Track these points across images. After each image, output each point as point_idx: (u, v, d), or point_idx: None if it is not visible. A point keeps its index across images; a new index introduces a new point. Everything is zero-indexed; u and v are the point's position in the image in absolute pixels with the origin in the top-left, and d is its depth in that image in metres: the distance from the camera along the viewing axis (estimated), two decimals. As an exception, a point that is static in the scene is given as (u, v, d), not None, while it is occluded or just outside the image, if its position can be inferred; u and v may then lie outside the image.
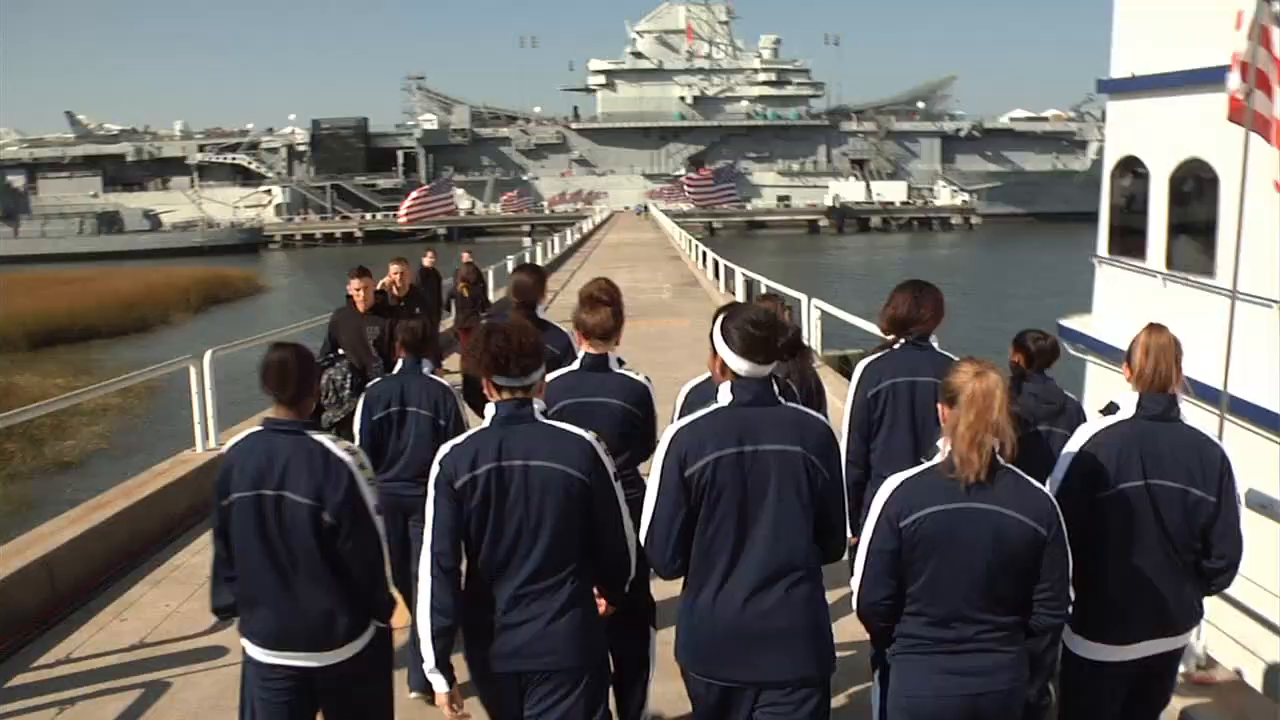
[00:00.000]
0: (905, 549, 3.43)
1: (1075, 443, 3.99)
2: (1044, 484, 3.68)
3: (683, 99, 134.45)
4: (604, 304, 4.79)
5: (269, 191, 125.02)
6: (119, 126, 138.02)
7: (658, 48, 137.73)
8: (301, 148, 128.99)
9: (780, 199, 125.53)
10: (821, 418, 3.67)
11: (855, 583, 3.58)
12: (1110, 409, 4.06)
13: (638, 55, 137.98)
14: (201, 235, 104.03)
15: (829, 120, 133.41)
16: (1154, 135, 11.92)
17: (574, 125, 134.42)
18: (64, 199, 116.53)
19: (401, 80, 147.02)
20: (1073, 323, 13.67)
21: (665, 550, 3.53)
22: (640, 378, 4.76)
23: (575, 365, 4.76)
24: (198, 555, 8.14)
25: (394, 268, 9.91)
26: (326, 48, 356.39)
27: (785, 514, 3.46)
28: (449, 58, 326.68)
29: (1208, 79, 10.40)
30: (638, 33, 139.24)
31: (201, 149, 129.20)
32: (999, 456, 3.43)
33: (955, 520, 3.38)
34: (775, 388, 3.61)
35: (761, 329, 3.56)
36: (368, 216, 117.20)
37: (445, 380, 5.78)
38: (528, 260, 36.02)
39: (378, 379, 5.97)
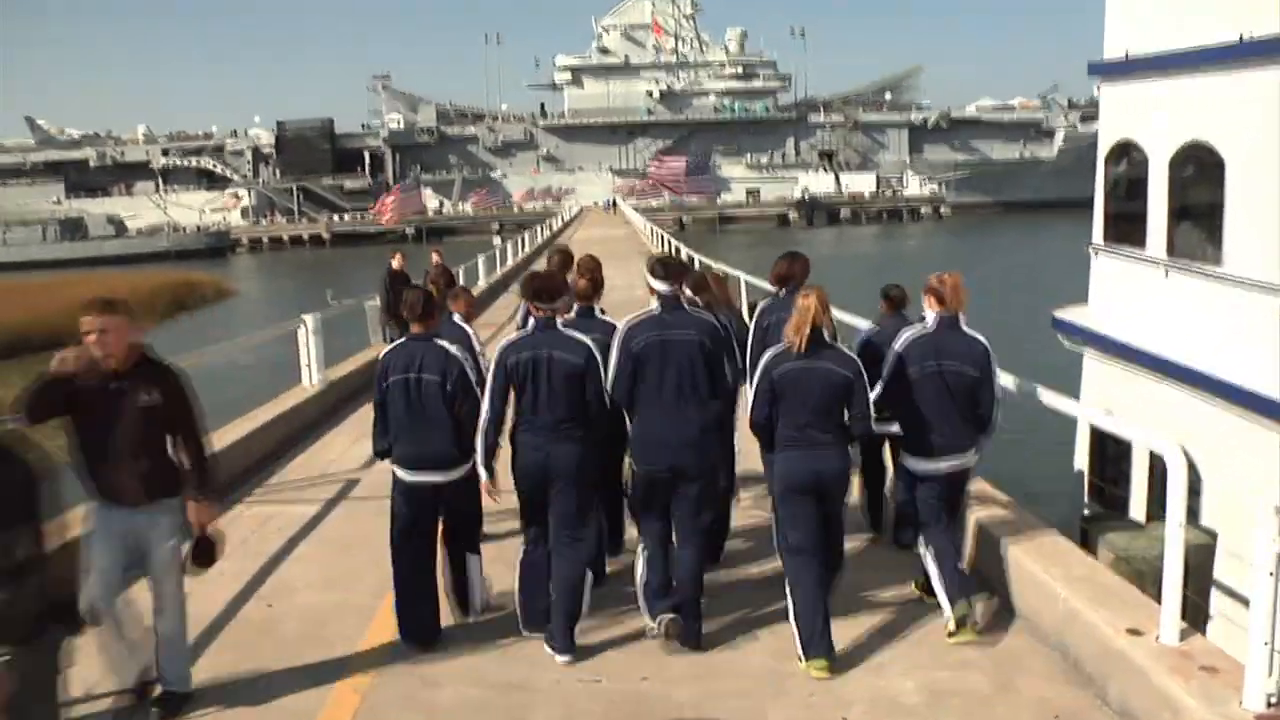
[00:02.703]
0: (774, 389, 6.03)
1: (900, 342, 6.56)
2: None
3: (650, 94, 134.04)
4: (589, 279, 7.28)
5: (235, 195, 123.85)
6: (80, 132, 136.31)
7: (624, 43, 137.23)
8: (267, 150, 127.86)
9: (749, 192, 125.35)
10: (709, 316, 6.48)
11: (748, 410, 6.20)
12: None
13: (604, 51, 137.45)
14: (168, 240, 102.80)
15: (797, 113, 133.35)
16: (1152, 119, 11.65)
17: (541, 122, 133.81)
18: (26, 206, 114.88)
19: (367, 80, 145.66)
20: (1068, 314, 13.39)
21: (621, 392, 6.17)
22: (613, 322, 6.74)
23: (573, 313, 6.99)
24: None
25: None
26: (290, 48, 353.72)
27: (686, 372, 6.09)
28: (414, 57, 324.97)
29: (1212, 58, 10.26)
30: (604, 28, 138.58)
31: (166, 153, 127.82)
32: (826, 337, 6.06)
33: (799, 372, 5.99)
34: (682, 301, 6.34)
35: (668, 262, 6.47)
36: (335, 218, 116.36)
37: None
38: (497, 257, 35.89)
39: (391, 345, 6.85)
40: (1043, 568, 6.16)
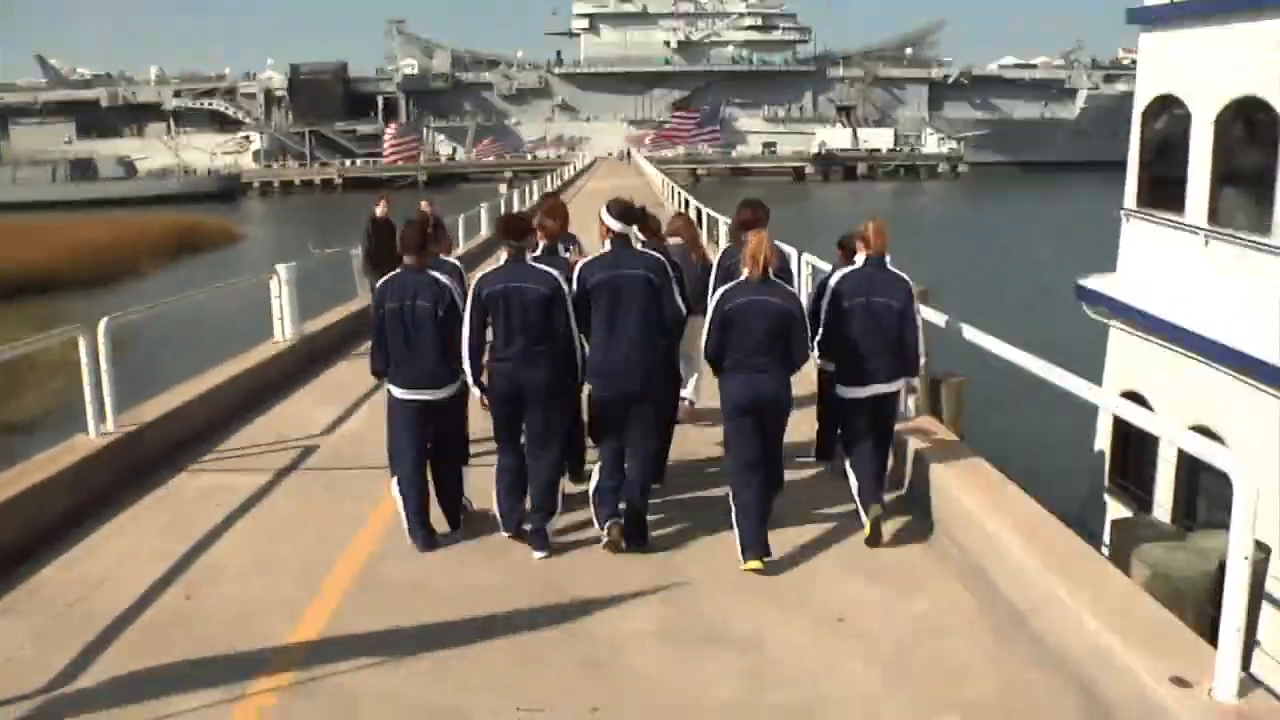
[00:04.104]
0: (725, 320, 6.58)
1: (833, 278, 7.33)
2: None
3: (667, 43, 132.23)
4: (555, 221, 7.57)
5: (247, 138, 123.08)
6: (92, 72, 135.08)
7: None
8: (280, 93, 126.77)
9: (766, 145, 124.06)
10: (659, 256, 6.97)
11: (702, 341, 6.76)
12: (852, 261, 7.55)
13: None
14: (178, 183, 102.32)
15: (816, 66, 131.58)
16: (1197, 71, 10.55)
17: (557, 70, 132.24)
18: (36, 146, 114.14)
19: (381, 24, 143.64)
20: (1094, 283, 12.35)
21: (581, 324, 6.73)
22: (572, 259, 7.44)
23: (539, 252, 7.27)
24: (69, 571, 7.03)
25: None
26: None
27: (636, 306, 6.64)
28: (430, 1, 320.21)
29: (1267, 3, 9.23)
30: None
31: (178, 95, 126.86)
32: (769, 272, 6.63)
33: (747, 305, 6.54)
34: (630, 241, 6.93)
35: (622, 203, 6.95)
36: (347, 163, 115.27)
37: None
38: (502, 205, 35.03)
39: (388, 276, 7.24)
40: (1069, 590, 5.29)
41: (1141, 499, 11.24)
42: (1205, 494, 10.40)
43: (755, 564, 6.44)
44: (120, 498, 8.18)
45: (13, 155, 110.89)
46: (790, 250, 11.86)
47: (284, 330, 13.25)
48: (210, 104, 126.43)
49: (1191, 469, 10.13)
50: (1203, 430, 9.65)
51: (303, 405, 11.21)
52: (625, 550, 6.76)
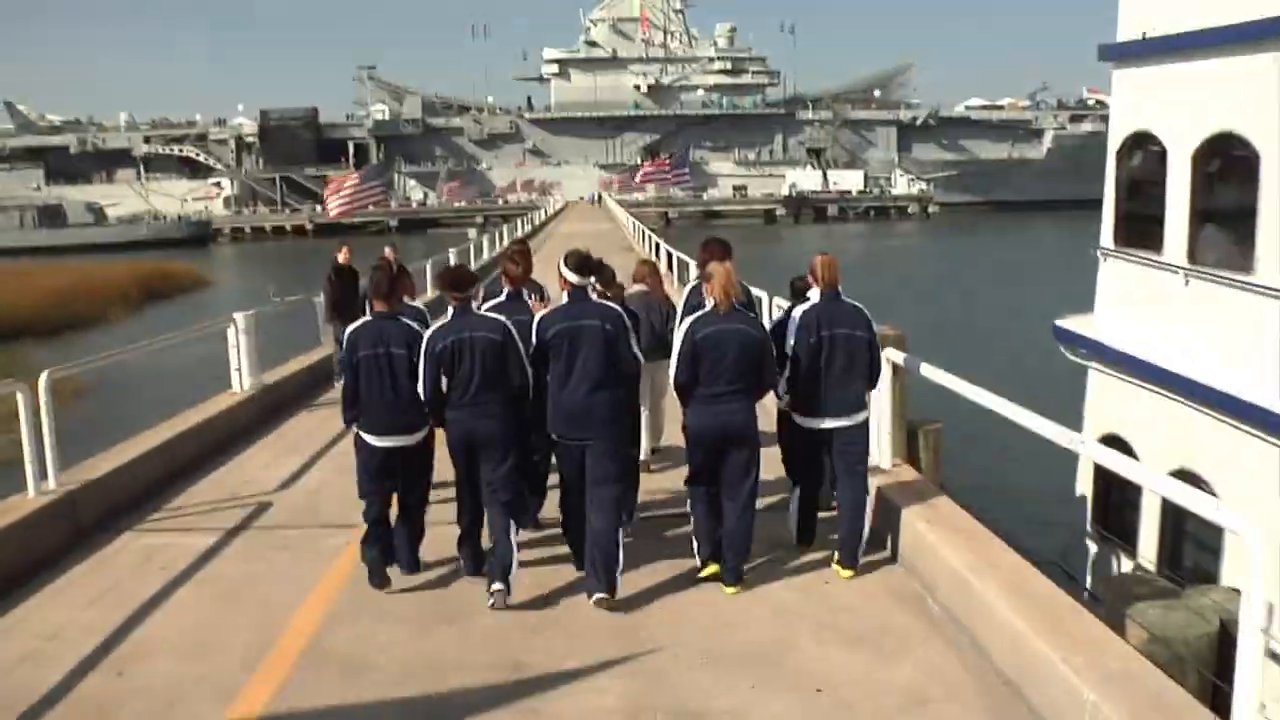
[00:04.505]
0: (696, 350, 6.72)
1: (794, 314, 7.24)
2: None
3: (638, 88, 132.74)
4: (518, 266, 7.88)
5: (218, 184, 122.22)
6: (61, 118, 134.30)
7: (612, 36, 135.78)
8: (250, 139, 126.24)
9: (736, 188, 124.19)
10: (616, 306, 7.12)
11: (672, 372, 6.91)
12: (806, 298, 7.40)
13: (591, 44, 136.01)
14: (148, 229, 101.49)
15: (785, 109, 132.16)
16: (1173, 106, 10.29)
17: (527, 115, 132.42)
18: (5, 192, 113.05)
19: (352, 70, 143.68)
20: (1072, 324, 12.04)
21: (538, 373, 6.88)
22: (534, 306, 7.47)
23: (503, 298, 7.68)
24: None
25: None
26: (275, 36, 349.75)
27: (594, 354, 6.75)
28: (400, 47, 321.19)
29: (1243, 37, 9.01)
30: (591, 21, 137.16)
31: (147, 140, 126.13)
32: (735, 303, 6.88)
33: (717, 335, 6.71)
34: (588, 294, 6.99)
35: (577, 256, 6.98)
36: (318, 209, 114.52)
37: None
38: (471, 251, 34.71)
39: (359, 323, 7.25)
40: (1064, 655, 4.94)
41: (1125, 547, 10.92)
42: (1192, 541, 10.10)
43: (713, 571, 6.90)
44: (57, 562, 7.73)
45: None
46: (760, 293, 11.69)
47: (242, 381, 12.82)
48: (181, 150, 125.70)
49: (1177, 515, 9.82)
50: (1187, 475, 9.36)
51: (259, 460, 10.77)
52: (595, 602, 6.63)
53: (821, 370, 7.04)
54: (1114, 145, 11.53)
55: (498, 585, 6.61)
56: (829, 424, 7.12)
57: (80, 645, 6.25)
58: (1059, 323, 12.28)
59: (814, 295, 7.28)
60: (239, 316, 12.97)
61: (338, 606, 6.75)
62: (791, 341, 7.13)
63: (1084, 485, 11.82)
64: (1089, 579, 11.34)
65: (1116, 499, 11.29)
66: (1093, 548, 11.62)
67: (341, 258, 15.11)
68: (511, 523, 6.84)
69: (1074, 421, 11.38)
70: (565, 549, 7.40)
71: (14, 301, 44.16)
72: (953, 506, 7.27)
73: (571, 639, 6.19)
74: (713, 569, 6.89)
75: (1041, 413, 6.29)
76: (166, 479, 9.84)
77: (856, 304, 7.27)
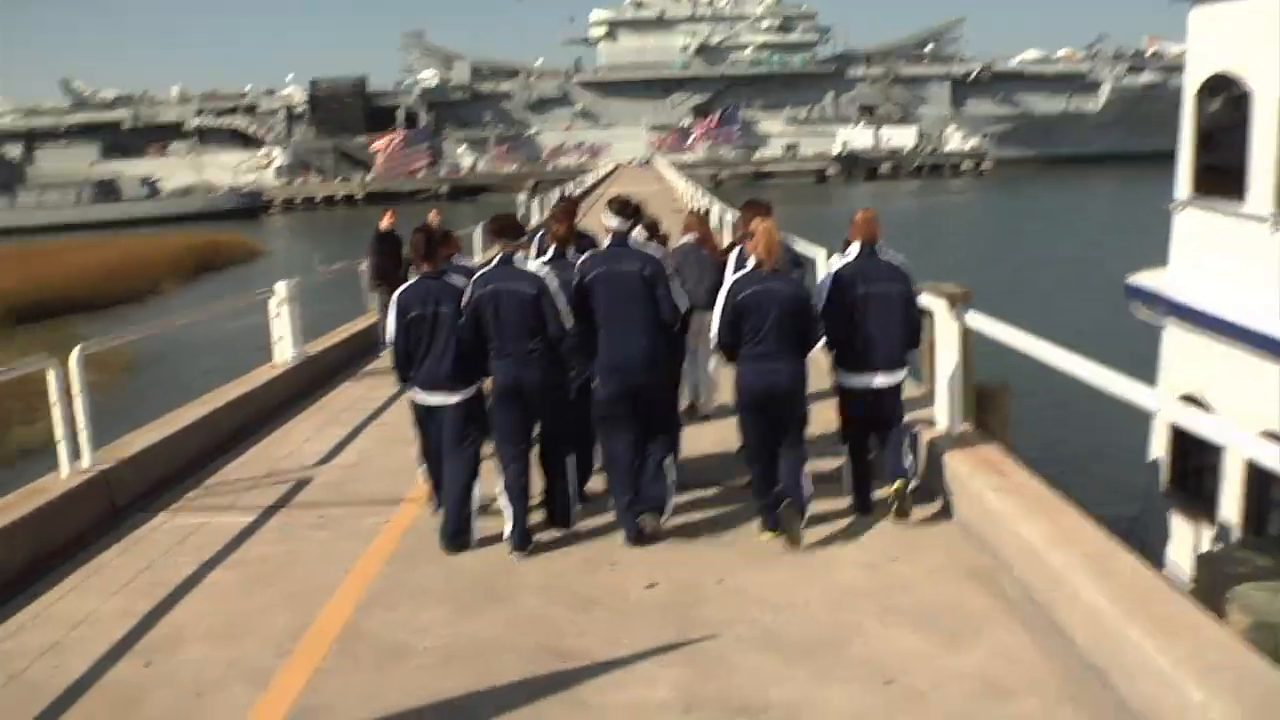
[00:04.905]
0: (737, 310, 6.69)
1: (831, 269, 7.32)
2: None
3: (686, 48, 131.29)
4: (565, 224, 7.80)
5: (269, 154, 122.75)
6: (115, 93, 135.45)
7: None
8: (300, 109, 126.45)
9: (787, 147, 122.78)
10: (653, 253, 7.12)
11: (713, 332, 6.93)
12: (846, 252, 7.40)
13: (639, 4, 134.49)
14: (201, 201, 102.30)
15: (836, 66, 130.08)
16: (1258, 45, 9.61)
17: (576, 78, 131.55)
18: (61, 168, 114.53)
19: (400, 37, 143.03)
20: (1145, 280, 11.43)
21: (579, 316, 6.81)
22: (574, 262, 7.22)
23: (549, 256, 7.46)
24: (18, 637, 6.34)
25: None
26: (323, 4, 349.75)
27: (634, 301, 6.80)
28: (448, 12, 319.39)
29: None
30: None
31: (199, 113, 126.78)
32: (778, 263, 6.82)
33: (758, 294, 6.66)
34: (628, 239, 7.04)
35: (619, 199, 7.15)
36: (369, 177, 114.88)
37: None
38: (518, 216, 34.26)
39: (406, 284, 7.30)
40: (1159, 644, 4.48)
41: (1204, 511, 10.38)
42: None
43: (772, 537, 6.80)
44: (90, 544, 7.50)
45: (39, 178, 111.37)
46: (815, 251, 11.33)
47: (284, 352, 12.57)
48: (231, 122, 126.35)
49: (1263, 478, 9.27)
50: (1274, 439, 8.81)
51: (300, 433, 10.51)
52: (646, 541, 6.85)
53: (859, 327, 7.03)
54: (1190, 89, 10.84)
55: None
56: (868, 381, 7.13)
57: (109, 632, 5.99)
58: (1131, 279, 11.67)
59: (852, 251, 7.28)
60: (280, 286, 12.71)
61: (376, 588, 6.45)
62: (825, 298, 7.10)
63: (1158, 447, 11.28)
64: (1164, 541, 10.83)
65: (1194, 461, 10.73)
66: (1167, 512, 11.08)
67: (384, 224, 14.79)
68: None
69: (1147, 382, 10.83)
70: (611, 517, 7.19)
71: (68, 277, 44.56)
72: (1025, 474, 6.81)
73: (621, 620, 5.84)
74: (772, 534, 6.81)
75: (1112, 371, 5.90)
76: (205, 455, 9.61)
77: (895, 260, 7.21)
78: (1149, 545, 10.43)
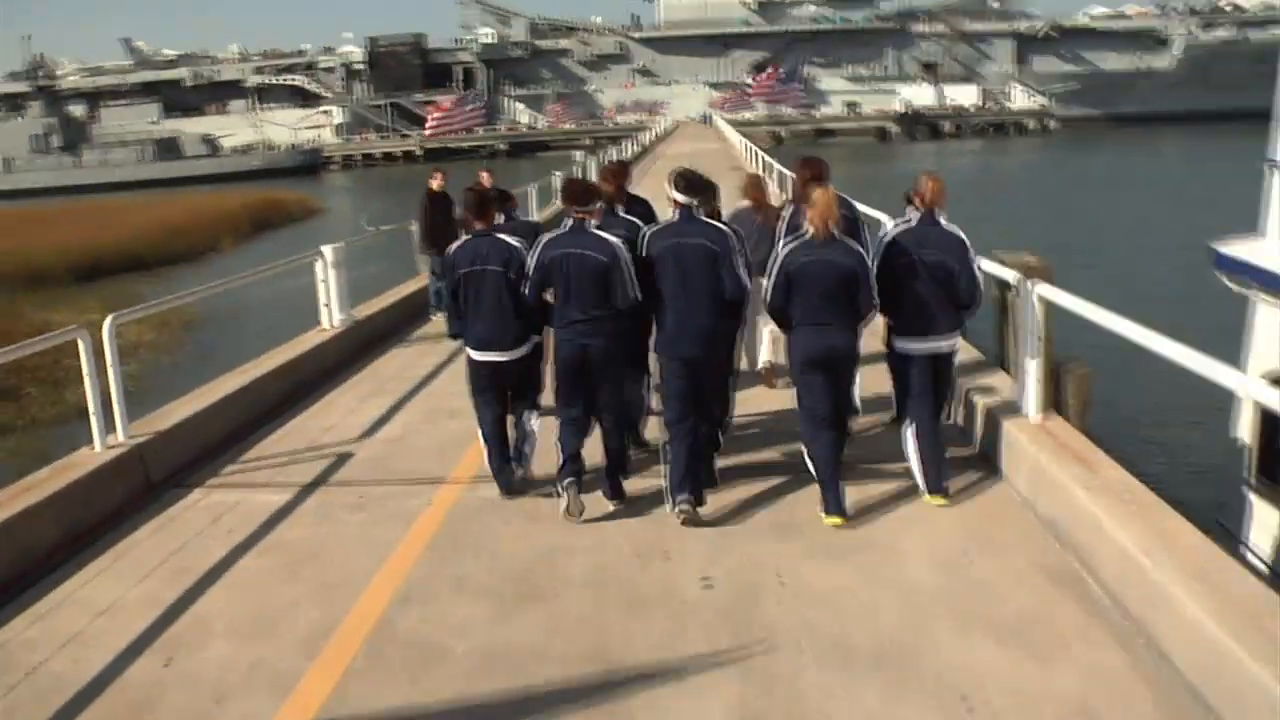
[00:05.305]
0: (790, 278, 6.73)
1: (887, 234, 7.25)
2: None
3: (746, 4, 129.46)
4: (614, 185, 7.93)
5: (327, 112, 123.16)
6: (176, 52, 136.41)
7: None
8: (359, 66, 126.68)
9: (848, 105, 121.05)
10: (721, 226, 7.09)
11: (766, 296, 6.90)
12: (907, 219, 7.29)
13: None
14: (260, 159, 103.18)
15: (898, 23, 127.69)
16: None
17: (635, 35, 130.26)
18: (124, 127, 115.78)
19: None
20: (1235, 249, 10.74)
21: (643, 288, 6.75)
22: (636, 221, 7.49)
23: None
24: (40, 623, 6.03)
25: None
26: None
27: (699, 274, 6.71)
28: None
29: None
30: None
31: (259, 71, 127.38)
32: (834, 231, 6.76)
33: (811, 263, 6.69)
34: (695, 213, 6.90)
35: (686, 174, 6.95)
36: (427, 133, 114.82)
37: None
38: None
39: (459, 241, 7.41)
40: (1275, 671, 3.99)
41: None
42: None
43: (837, 522, 6.57)
44: (120, 523, 7.21)
45: (102, 136, 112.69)
46: (878, 215, 10.86)
47: (331, 317, 12.25)
48: (290, 79, 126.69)
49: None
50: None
51: (344, 403, 10.17)
52: (694, 520, 6.65)
53: (915, 292, 6.95)
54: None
55: (614, 497, 7.00)
56: (922, 346, 7.07)
57: (131, 624, 5.68)
58: (1219, 247, 10.97)
59: (912, 216, 7.19)
60: (327, 250, 12.36)
61: (413, 578, 6.07)
62: (878, 262, 7.06)
63: (1244, 432, 10.63)
64: (1250, 534, 10.22)
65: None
66: (1254, 501, 10.45)
67: (435, 185, 14.37)
68: (627, 436, 7.26)
69: (1232, 359, 10.19)
70: (665, 508, 6.80)
71: (129, 234, 44.84)
72: (1116, 468, 6.26)
73: (674, 623, 5.40)
74: (835, 520, 6.59)
75: (1194, 349, 5.43)
76: (246, 426, 9.30)
77: (953, 230, 7.07)
78: (1236, 537, 9.85)
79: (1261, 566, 8.53)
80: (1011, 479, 7.01)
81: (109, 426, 7.85)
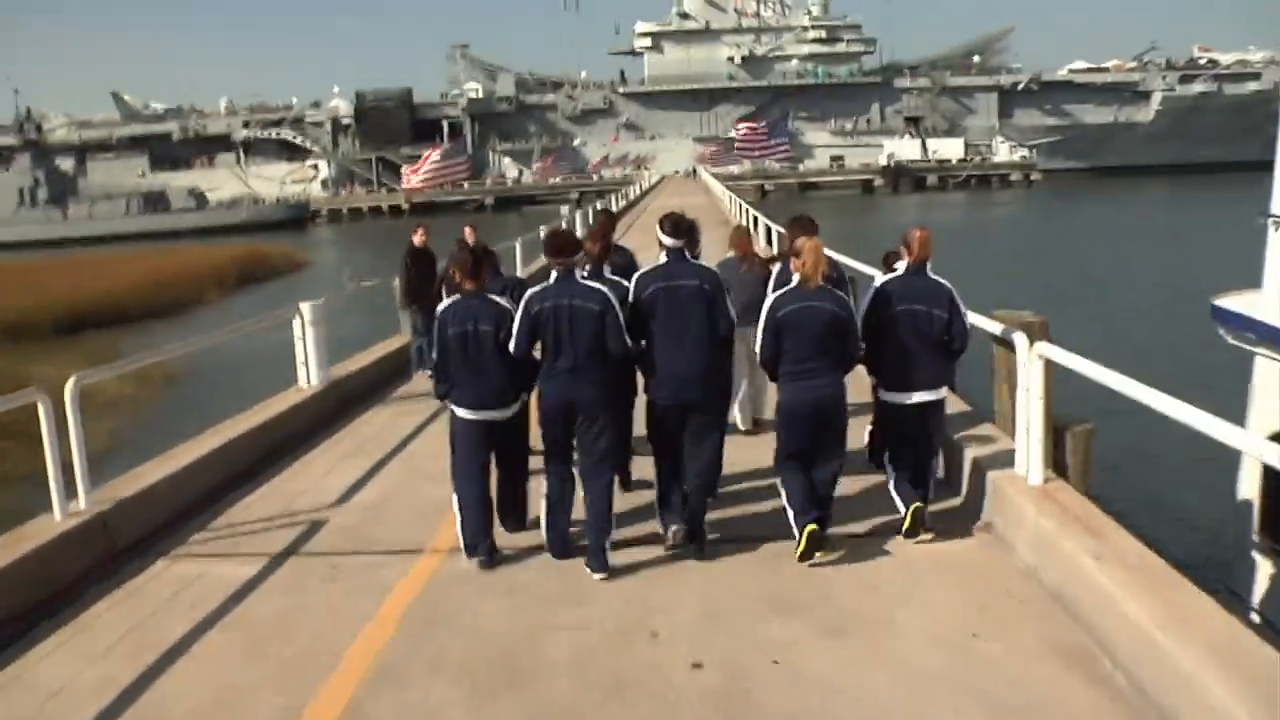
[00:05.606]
0: (780, 326, 6.79)
1: (877, 285, 7.39)
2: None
3: (731, 59, 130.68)
4: (601, 243, 7.76)
5: (315, 166, 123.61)
6: (164, 106, 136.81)
7: (705, 7, 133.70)
8: (346, 121, 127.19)
9: (833, 159, 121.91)
10: (711, 267, 7.26)
11: (757, 347, 7.01)
12: (894, 269, 7.57)
13: (684, 16, 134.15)
14: (247, 212, 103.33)
15: (882, 77, 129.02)
16: None
17: (621, 89, 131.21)
18: (112, 180, 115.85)
19: (445, 49, 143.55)
20: (1235, 303, 10.53)
21: (636, 332, 6.85)
22: (623, 281, 7.23)
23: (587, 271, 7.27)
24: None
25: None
26: (369, 17, 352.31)
27: (692, 316, 6.80)
28: (492, 24, 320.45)
29: None
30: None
31: (246, 125, 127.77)
32: (821, 280, 6.89)
33: (799, 312, 6.75)
34: (685, 255, 7.05)
35: (673, 218, 7.03)
36: (407, 188, 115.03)
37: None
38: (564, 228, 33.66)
39: (448, 301, 7.29)
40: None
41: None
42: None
43: (805, 542, 6.65)
44: (79, 596, 6.83)
45: (90, 190, 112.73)
46: (861, 267, 10.79)
47: (309, 376, 11.94)
48: (278, 133, 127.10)
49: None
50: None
51: (320, 465, 9.82)
52: (684, 552, 6.85)
53: (900, 344, 7.07)
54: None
55: (599, 570, 6.65)
56: (909, 398, 7.14)
57: (84, 709, 5.30)
58: (1219, 302, 10.74)
59: (900, 267, 7.33)
60: (305, 307, 12.07)
61: (385, 659, 5.72)
62: (864, 313, 7.18)
63: (1248, 489, 10.36)
64: (1258, 596, 9.93)
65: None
66: (1260, 562, 10.16)
67: (417, 240, 14.13)
68: (613, 490, 6.93)
69: (1235, 416, 9.94)
70: (650, 567, 6.83)
71: (114, 288, 44.57)
72: (1124, 535, 5.97)
73: (662, 712, 5.05)
74: (806, 541, 6.66)
75: (1190, 403, 5.26)
76: (218, 489, 8.95)
77: (941, 281, 7.18)
78: (1246, 603, 9.55)
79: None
80: (1014, 544, 6.71)
81: (71, 492, 7.50)
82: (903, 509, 7.04)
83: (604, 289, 6.76)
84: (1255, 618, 9.39)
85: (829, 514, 6.96)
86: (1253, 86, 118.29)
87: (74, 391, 7.57)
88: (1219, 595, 5.67)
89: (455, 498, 7.13)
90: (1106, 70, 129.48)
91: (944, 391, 7.34)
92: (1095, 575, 5.52)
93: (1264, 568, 10.02)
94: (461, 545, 7.03)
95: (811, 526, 6.62)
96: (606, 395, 6.85)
